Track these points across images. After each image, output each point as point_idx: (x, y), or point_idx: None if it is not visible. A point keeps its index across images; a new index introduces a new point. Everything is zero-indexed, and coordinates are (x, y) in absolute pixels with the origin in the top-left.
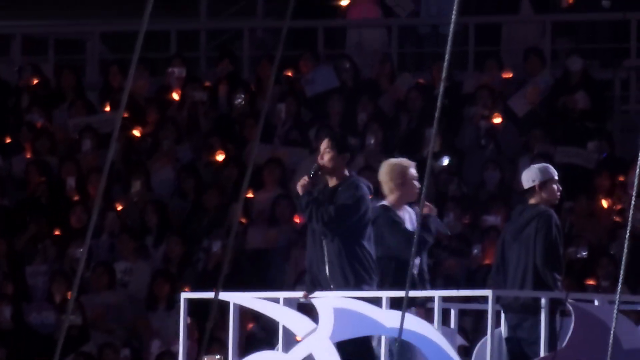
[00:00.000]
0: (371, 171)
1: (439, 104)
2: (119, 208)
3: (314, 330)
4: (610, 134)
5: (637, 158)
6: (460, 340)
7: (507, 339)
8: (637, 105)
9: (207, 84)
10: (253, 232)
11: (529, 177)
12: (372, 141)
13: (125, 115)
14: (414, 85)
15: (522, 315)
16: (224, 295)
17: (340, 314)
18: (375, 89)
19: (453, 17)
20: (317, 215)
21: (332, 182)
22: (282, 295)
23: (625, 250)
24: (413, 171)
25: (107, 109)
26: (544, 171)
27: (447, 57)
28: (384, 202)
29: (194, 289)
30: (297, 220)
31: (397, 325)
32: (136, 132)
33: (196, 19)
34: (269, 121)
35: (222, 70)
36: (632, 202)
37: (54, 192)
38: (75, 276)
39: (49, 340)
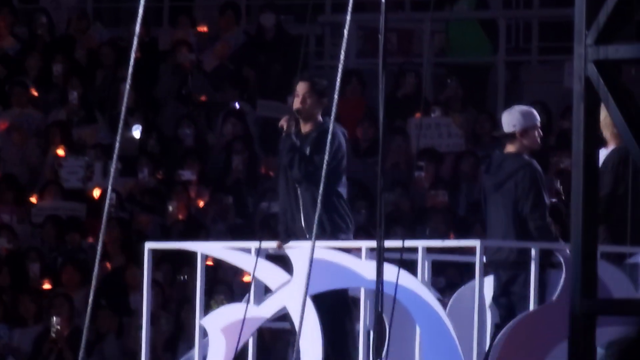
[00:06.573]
0: (72, 125)
1: (131, 60)
2: None
3: (287, 282)
4: None
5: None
6: (435, 294)
7: (496, 297)
8: (332, 61)
9: None
10: None
11: (509, 121)
12: (75, 95)
13: None
14: (107, 40)
15: (513, 272)
16: (191, 245)
17: (317, 265)
18: (71, 44)
19: None
20: (300, 165)
21: (305, 127)
22: (253, 245)
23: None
24: None
25: None
26: (527, 116)
27: (140, 12)
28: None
29: None
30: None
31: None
32: None
33: None
34: None
35: None
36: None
37: None
38: None
39: None
